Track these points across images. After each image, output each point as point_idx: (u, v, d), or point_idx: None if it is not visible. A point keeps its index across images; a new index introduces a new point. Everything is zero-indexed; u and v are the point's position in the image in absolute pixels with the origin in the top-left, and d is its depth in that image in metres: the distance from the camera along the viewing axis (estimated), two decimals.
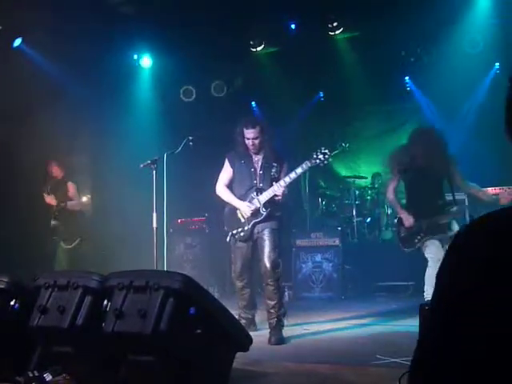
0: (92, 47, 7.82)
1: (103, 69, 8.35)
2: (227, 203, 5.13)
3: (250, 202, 4.95)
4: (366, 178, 9.61)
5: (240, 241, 5.03)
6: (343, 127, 10.12)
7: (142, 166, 5.26)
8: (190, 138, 5.46)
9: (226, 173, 5.19)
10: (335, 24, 8.53)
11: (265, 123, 5.12)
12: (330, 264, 7.67)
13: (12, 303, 3.23)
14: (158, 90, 9.70)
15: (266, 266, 4.85)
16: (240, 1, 7.86)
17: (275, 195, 4.85)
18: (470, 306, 0.90)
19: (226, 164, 5.19)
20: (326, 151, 4.83)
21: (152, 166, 5.21)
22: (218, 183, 5.22)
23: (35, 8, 6.74)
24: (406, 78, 9.58)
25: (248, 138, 4.94)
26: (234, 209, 5.04)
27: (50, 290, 3.05)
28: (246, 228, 4.96)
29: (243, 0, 7.83)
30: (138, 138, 8.47)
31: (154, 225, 5.14)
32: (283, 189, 4.82)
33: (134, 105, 9.28)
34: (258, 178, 5.00)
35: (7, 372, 3.15)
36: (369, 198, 9.22)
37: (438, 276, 0.99)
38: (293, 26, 8.82)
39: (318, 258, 7.76)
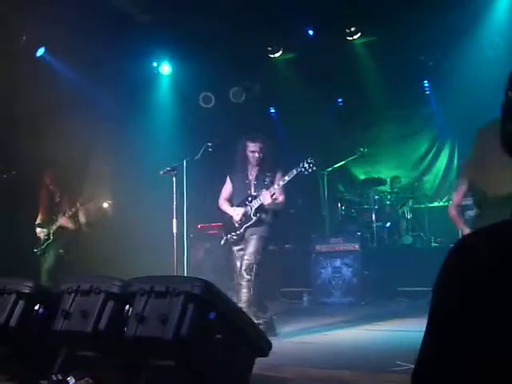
0: (112, 55, 7.94)
1: (123, 77, 8.46)
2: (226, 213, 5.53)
3: (244, 208, 5.33)
4: (385, 182, 9.57)
5: (234, 244, 5.38)
6: (362, 132, 10.11)
7: (161, 172, 5.34)
8: (209, 144, 5.54)
9: (227, 188, 5.62)
10: (353, 29, 8.54)
11: (267, 138, 5.51)
12: (350, 269, 7.65)
13: (36, 308, 3.30)
14: (177, 97, 9.79)
15: (241, 268, 5.17)
16: (258, 7, 7.91)
17: (271, 200, 5.17)
18: (471, 323, 0.90)
19: (227, 181, 5.61)
20: (312, 161, 5.10)
21: (172, 173, 5.28)
22: (220, 198, 5.65)
23: (58, 19, 6.87)
24: (425, 82, 9.54)
25: (253, 151, 5.35)
26: (230, 216, 5.44)
27: (73, 294, 3.10)
28: (238, 232, 5.31)
29: (261, 6, 7.87)
30: (157, 145, 8.55)
31: (174, 230, 5.22)
32: (268, 196, 5.15)
33: (154, 112, 9.37)
34: (252, 188, 5.39)
35: (32, 375, 3.21)
36: (388, 202, 9.19)
37: (437, 288, 0.99)
38: (310, 32, 8.84)
39: (338, 263, 7.74)
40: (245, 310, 4.91)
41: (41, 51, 8.01)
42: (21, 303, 3.31)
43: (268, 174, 5.34)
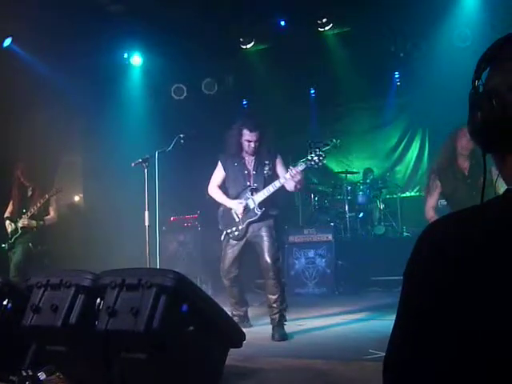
0: (82, 46, 7.79)
1: (93, 67, 8.33)
2: (220, 204, 5.17)
3: (245, 201, 4.96)
4: (358, 172, 9.65)
5: (233, 239, 5.05)
6: (334, 123, 10.16)
7: (133, 164, 5.27)
8: (181, 135, 5.45)
9: (219, 175, 5.19)
10: (324, 20, 8.56)
11: (266, 126, 5.11)
12: (323, 260, 7.70)
13: (5, 303, 3.23)
14: (148, 89, 9.69)
15: (266, 261, 4.86)
16: None
17: (293, 182, 4.77)
18: (446, 303, 0.92)
19: (219, 166, 5.18)
20: (321, 153, 4.80)
21: (143, 165, 5.22)
22: (210, 184, 5.24)
23: (24, 8, 6.71)
24: (396, 73, 9.62)
25: (249, 141, 4.91)
26: (229, 209, 5.06)
27: (43, 289, 3.05)
28: (240, 227, 4.97)
29: None
30: (129, 137, 8.46)
31: (147, 223, 5.16)
32: (297, 176, 4.69)
33: (125, 103, 9.26)
34: (251, 179, 5.00)
35: (1, 371, 3.15)
36: (361, 193, 9.26)
37: (410, 274, 1.02)
38: (282, 23, 8.83)
39: (311, 253, 7.79)
40: (280, 304, 4.82)
41: (7, 41, 7.82)
42: None
43: (266, 162, 4.97)
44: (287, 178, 4.76)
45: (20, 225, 6.14)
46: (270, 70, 9.38)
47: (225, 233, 5.08)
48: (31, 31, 7.35)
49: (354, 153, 10.39)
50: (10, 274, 5.89)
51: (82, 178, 9.56)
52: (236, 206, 4.97)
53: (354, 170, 9.67)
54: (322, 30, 8.76)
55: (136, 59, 9.53)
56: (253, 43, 9.25)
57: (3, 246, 6.17)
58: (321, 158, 4.79)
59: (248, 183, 5.00)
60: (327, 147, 6.07)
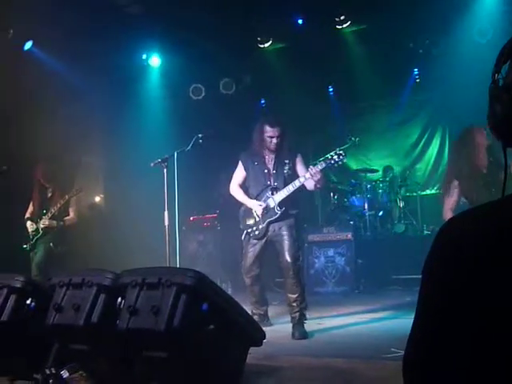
0: (101, 48, 7.87)
1: (113, 69, 8.41)
2: (241, 203, 5.19)
3: (265, 201, 4.99)
4: (378, 170, 9.59)
5: (254, 239, 5.06)
6: (353, 121, 10.10)
7: (152, 164, 5.31)
8: (200, 135, 5.48)
9: (240, 174, 5.24)
10: (342, 17, 8.51)
11: (285, 124, 5.10)
12: (343, 258, 7.67)
13: (28, 302, 3.28)
14: (167, 89, 9.75)
15: (286, 260, 4.87)
16: None
17: (313, 181, 4.79)
18: (469, 295, 0.92)
19: (240, 165, 5.23)
20: (341, 152, 4.80)
21: (162, 165, 5.25)
22: (231, 183, 5.29)
23: (46, 11, 6.80)
24: (415, 70, 9.53)
25: (271, 137, 4.92)
26: (250, 208, 5.08)
27: (65, 288, 3.09)
28: (260, 226, 4.99)
29: None
30: (148, 137, 8.52)
31: (166, 223, 5.19)
32: (317, 175, 4.69)
33: (144, 104, 9.33)
34: (271, 178, 5.01)
35: (25, 370, 3.20)
36: (380, 191, 9.21)
37: (428, 272, 1.01)
38: (300, 21, 8.81)
39: (331, 252, 7.76)
40: (300, 303, 4.82)
41: (28, 44, 7.94)
42: (12, 298, 3.29)
43: (286, 160, 4.97)
44: (307, 177, 4.76)
45: (41, 225, 6.22)
46: (288, 68, 9.37)
47: (245, 232, 5.10)
48: (51, 33, 7.45)
49: (374, 151, 10.33)
50: (32, 274, 5.96)
51: (103, 178, 9.66)
52: (256, 207, 4.99)
53: (374, 167, 9.61)
54: (340, 27, 8.72)
55: (154, 60, 9.60)
56: (270, 42, 9.25)
57: (25, 246, 6.26)
58: (341, 157, 4.79)
59: (268, 182, 5.01)
60: (346, 145, 6.01)
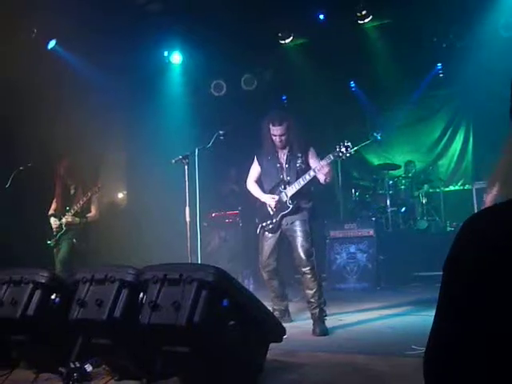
0: (123, 46, 7.95)
1: (134, 67, 8.48)
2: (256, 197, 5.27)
3: (278, 195, 5.04)
4: (400, 166, 9.50)
5: (268, 232, 5.11)
6: (375, 116, 10.03)
7: (173, 161, 5.34)
8: (221, 132, 5.50)
9: (255, 170, 5.33)
10: (364, 12, 8.43)
11: (291, 119, 5.13)
12: (365, 255, 7.64)
13: (53, 297, 3.34)
14: (188, 86, 9.79)
15: (300, 256, 4.89)
16: None
17: (319, 177, 4.84)
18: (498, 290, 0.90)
19: (255, 162, 5.32)
20: (349, 144, 4.79)
21: (184, 161, 5.28)
22: (248, 179, 5.38)
23: (68, 10, 6.89)
24: (439, 64, 9.41)
25: (275, 135, 5.00)
26: (264, 202, 5.15)
27: (88, 283, 3.14)
28: (274, 220, 5.05)
29: None
30: (169, 134, 8.58)
31: (187, 219, 5.22)
32: (325, 168, 4.75)
33: (166, 101, 9.39)
34: (284, 172, 5.07)
35: (50, 363, 3.27)
36: (403, 187, 9.13)
37: (450, 264, 0.99)
38: (321, 17, 8.76)
39: (352, 248, 7.74)
40: (318, 298, 4.81)
41: (52, 43, 8.05)
42: (37, 293, 3.36)
43: (299, 154, 4.99)
44: (316, 170, 4.81)
45: (64, 222, 6.31)
46: (309, 64, 9.33)
47: (260, 226, 5.17)
48: (74, 32, 7.54)
49: (396, 146, 10.24)
50: (56, 270, 6.06)
51: (125, 175, 9.77)
52: (269, 201, 5.07)
53: (396, 163, 9.52)
54: (362, 22, 8.64)
55: (176, 57, 9.65)
56: (291, 38, 9.22)
57: (49, 242, 6.36)
58: (348, 149, 4.78)
59: (281, 177, 5.08)
60: (368, 141, 5.97)
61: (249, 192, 5.38)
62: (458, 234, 1.00)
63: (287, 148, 5.07)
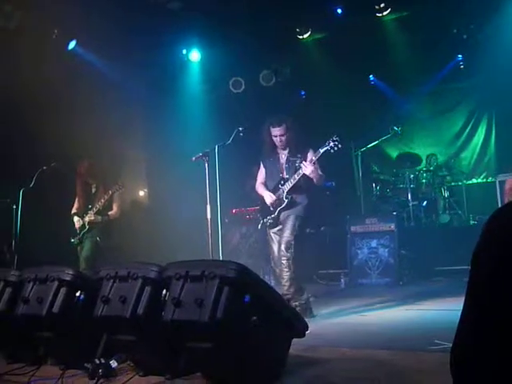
0: (142, 45, 8.02)
1: (153, 65, 8.55)
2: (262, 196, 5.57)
3: (277, 192, 5.35)
4: (421, 159, 9.39)
5: (270, 228, 5.42)
6: (395, 110, 9.94)
7: (193, 158, 5.37)
8: (240, 128, 5.53)
9: (261, 173, 5.68)
10: (382, 5, 8.37)
11: (290, 120, 5.41)
12: (386, 249, 7.59)
13: (77, 295, 3.40)
14: (207, 83, 9.83)
15: (279, 246, 5.20)
16: None
17: (304, 176, 5.13)
18: None
19: (261, 166, 5.66)
20: (337, 139, 5.07)
21: (204, 159, 5.31)
22: (256, 183, 5.70)
23: (88, 10, 6.96)
24: (459, 56, 9.29)
25: (275, 136, 5.33)
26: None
27: (112, 281, 3.18)
28: (273, 216, 5.37)
29: None
30: (189, 131, 8.63)
31: (208, 216, 5.26)
32: (309, 165, 5.05)
33: (185, 99, 9.45)
34: (284, 171, 5.40)
35: (76, 359, 3.32)
36: (424, 181, 9.05)
37: (477, 259, 0.99)
38: (339, 11, 8.71)
39: (374, 243, 7.69)
40: (287, 288, 5.10)
41: (72, 44, 8.14)
42: (63, 290, 3.42)
43: (298, 155, 5.30)
44: (302, 165, 5.11)
45: (87, 220, 6.39)
46: (328, 59, 9.29)
47: (262, 221, 5.50)
48: (93, 32, 7.62)
49: (416, 140, 10.15)
50: (80, 267, 6.14)
51: (146, 173, 9.84)
52: (267, 197, 5.40)
53: (417, 157, 9.41)
54: (380, 15, 8.59)
55: (194, 55, 9.69)
56: (309, 33, 9.20)
57: (72, 240, 6.46)
58: (336, 143, 5.05)
59: (281, 175, 5.40)
60: (388, 135, 5.99)
61: (257, 194, 5.64)
62: (483, 229, 1.00)
63: (287, 149, 5.39)
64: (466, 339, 0.97)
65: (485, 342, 0.93)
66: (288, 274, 5.13)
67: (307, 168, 5.08)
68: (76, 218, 6.48)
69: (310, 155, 5.26)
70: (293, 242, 5.18)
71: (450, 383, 1.08)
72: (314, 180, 5.18)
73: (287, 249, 5.15)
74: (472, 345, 0.96)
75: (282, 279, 5.17)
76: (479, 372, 0.94)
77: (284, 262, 5.14)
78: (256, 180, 5.72)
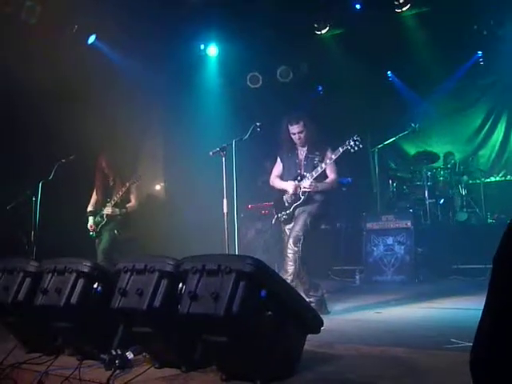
0: (160, 39, 8.06)
1: (171, 60, 8.59)
2: (278, 190, 5.55)
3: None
4: (439, 157, 9.31)
5: (285, 224, 5.42)
6: (413, 107, 9.87)
7: (211, 153, 5.40)
8: (258, 124, 5.54)
9: (277, 167, 5.66)
10: (402, 1, 8.30)
11: (307, 117, 5.45)
12: (402, 247, 7.56)
13: (95, 286, 3.44)
14: (224, 78, 9.85)
15: (288, 239, 5.20)
16: None
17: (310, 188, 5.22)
18: None
19: (278, 160, 5.65)
20: (358, 138, 5.08)
21: (221, 153, 5.33)
22: (271, 176, 5.68)
23: (107, 5, 7.00)
24: (479, 52, 9.19)
25: (294, 133, 5.37)
26: (281, 195, 5.47)
27: (129, 273, 3.21)
28: (288, 211, 5.38)
29: None
30: (206, 126, 8.65)
31: (225, 210, 5.28)
32: (310, 183, 5.20)
33: (202, 93, 9.47)
34: (302, 168, 5.41)
35: (93, 350, 3.36)
36: (441, 178, 8.98)
37: (499, 261, 0.98)
38: (357, 6, 8.66)
39: (390, 240, 7.67)
40: (290, 281, 5.04)
41: (92, 38, 8.21)
42: (80, 282, 3.46)
43: (317, 153, 5.34)
44: (326, 163, 5.19)
45: (105, 213, 6.45)
46: (346, 54, 9.25)
47: (276, 216, 5.53)
48: (113, 27, 7.67)
49: (434, 137, 10.07)
50: (98, 260, 6.21)
51: (163, 167, 9.90)
52: (289, 186, 5.36)
53: (435, 154, 9.33)
54: (400, 10, 8.52)
55: (212, 50, 9.72)
56: (328, 28, 9.16)
57: (91, 233, 6.52)
58: (357, 143, 5.07)
59: (298, 171, 5.40)
60: (406, 132, 5.99)
61: (273, 188, 5.64)
62: (504, 232, 0.99)
63: (306, 146, 5.42)
64: (486, 340, 0.97)
65: (505, 344, 0.92)
66: (292, 268, 5.12)
67: (307, 184, 5.20)
68: (90, 219, 6.55)
69: (330, 154, 5.28)
70: (301, 238, 5.15)
71: (467, 382, 1.08)
72: (330, 188, 5.29)
73: (295, 243, 5.14)
74: (492, 346, 0.95)
75: (285, 272, 5.14)
76: (498, 372, 0.94)
77: (290, 255, 5.14)
78: (270, 174, 5.72)
